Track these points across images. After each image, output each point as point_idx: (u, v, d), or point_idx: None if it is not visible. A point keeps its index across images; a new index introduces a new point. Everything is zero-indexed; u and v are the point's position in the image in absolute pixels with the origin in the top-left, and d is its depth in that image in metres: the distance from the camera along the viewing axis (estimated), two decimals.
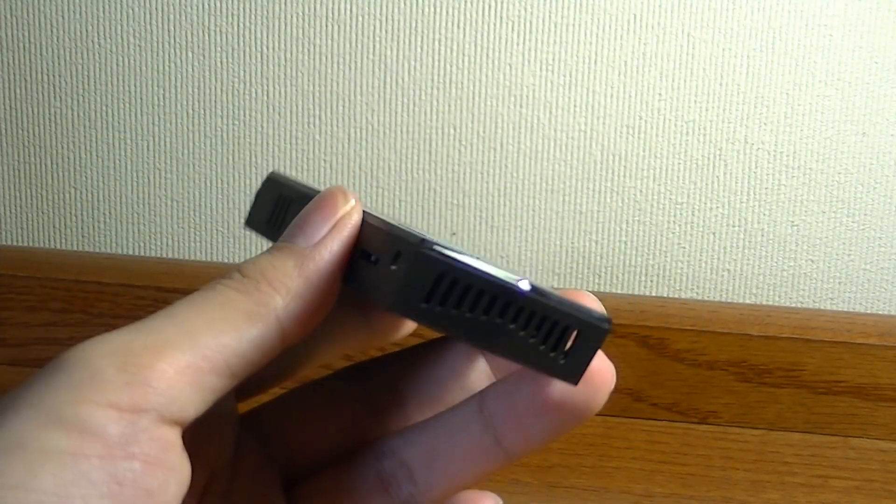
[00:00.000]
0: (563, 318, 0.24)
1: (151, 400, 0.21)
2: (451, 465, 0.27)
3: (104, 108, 0.62)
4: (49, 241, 0.64)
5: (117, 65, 0.61)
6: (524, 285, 0.23)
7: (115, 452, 0.20)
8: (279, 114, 0.61)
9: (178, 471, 0.21)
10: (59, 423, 0.20)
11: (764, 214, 0.61)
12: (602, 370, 0.25)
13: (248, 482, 0.28)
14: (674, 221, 0.61)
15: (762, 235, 0.61)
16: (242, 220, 0.63)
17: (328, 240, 0.25)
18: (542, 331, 0.24)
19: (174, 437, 0.22)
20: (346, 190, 0.26)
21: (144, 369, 0.21)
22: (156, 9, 0.60)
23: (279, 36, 0.60)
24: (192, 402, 0.22)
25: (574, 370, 0.24)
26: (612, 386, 0.26)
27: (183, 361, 0.21)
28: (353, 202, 0.25)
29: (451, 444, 0.27)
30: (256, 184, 0.62)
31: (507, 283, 0.23)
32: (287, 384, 0.29)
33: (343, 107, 0.61)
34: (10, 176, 0.64)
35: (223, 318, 0.23)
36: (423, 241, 0.23)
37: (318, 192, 0.27)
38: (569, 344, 0.24)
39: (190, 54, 0.61)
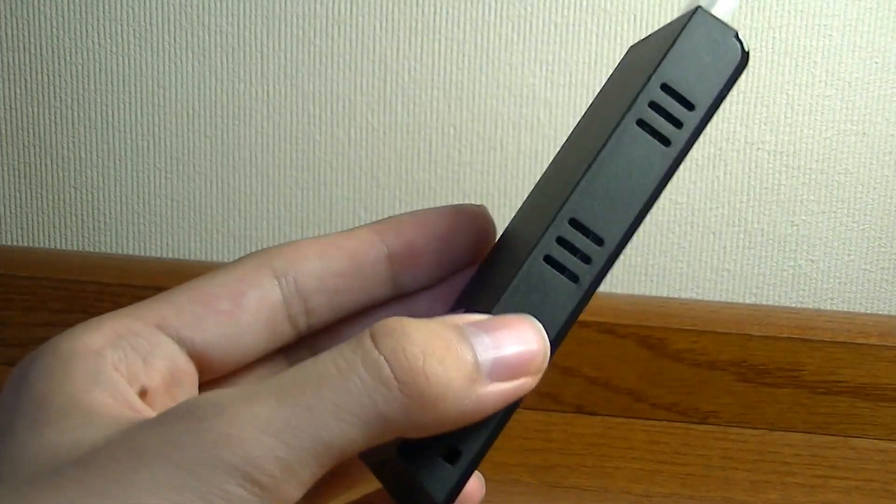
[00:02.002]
0: None
1: None
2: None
3: (104, 108, 0.62)
4: (49, 241, 0.64)
5: (117, 65, 0.61)
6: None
7: None
8: (279, 114, 0.61)
9: None
10: None
11: (764, 214, 0.61)
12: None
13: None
14: (674, 221, 0.61)
15: (762, 235, 0.61)
16: (242, 220, 0.63)
17: (502, 395, 0.22)
18: None
19: None
20: (548, 351, 0.23)
21: (272, 493, 0.20)
22: (156, 9, 0.60)
23: (279, 36, 0.60)
24: (294, 502, 0.21)
25: None
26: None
27: (308, 477, 0.20)
28: (547, 357, 0.22)
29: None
30: (256, 184, 0.63)
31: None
32: None
33: (343, 107, 0.61)
34: (10, 176, 0.64)
35: (361, 426, 0.20)
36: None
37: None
38: None
39: (190, 54, 0.61)
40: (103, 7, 0.61)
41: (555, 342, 0.22)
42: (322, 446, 0.20)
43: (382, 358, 0.21)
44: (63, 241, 0.64)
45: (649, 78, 0.23)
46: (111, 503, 0.19)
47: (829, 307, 0.62)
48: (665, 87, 0.23)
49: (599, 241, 0.22)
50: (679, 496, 0.52)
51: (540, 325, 0.22)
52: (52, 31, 0.61)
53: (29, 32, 0.61)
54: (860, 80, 0.58)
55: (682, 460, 0.55)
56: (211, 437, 0.20)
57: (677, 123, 0.23)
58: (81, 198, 0.64)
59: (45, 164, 0.63)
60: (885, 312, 0.61)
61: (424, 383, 0.21)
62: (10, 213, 0.64)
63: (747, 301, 0.62)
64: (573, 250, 0.23)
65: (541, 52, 0.59)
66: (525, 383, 0.22)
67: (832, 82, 0.58)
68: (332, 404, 0.20)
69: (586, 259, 0.22)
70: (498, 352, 0.22)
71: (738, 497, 0.52)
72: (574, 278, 0.22)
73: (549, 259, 0.23)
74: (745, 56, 0.23)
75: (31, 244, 0.64)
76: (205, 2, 0.60)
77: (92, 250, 0.64)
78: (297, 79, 0.61)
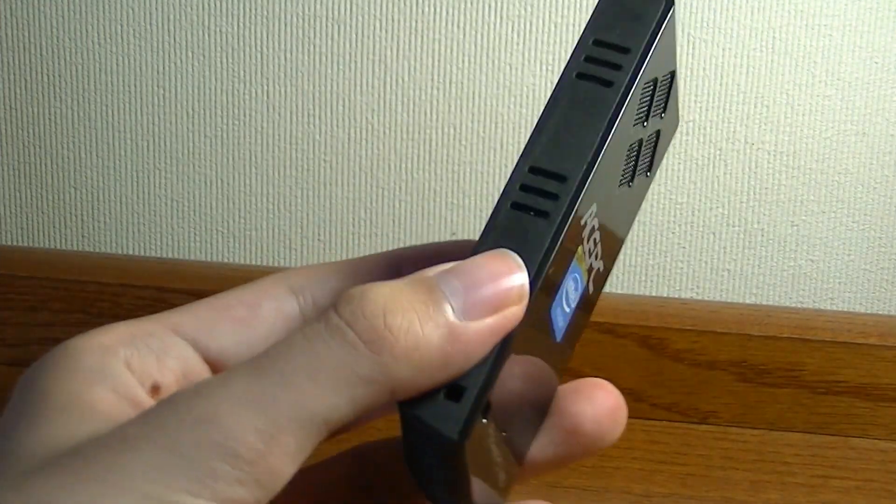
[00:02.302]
0: None
1: (258, 493, 0.20)
2: None
3: (104, 108, 0.62)
4: (49, 241, 0.64)
5: (117, 65, 0.61)
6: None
7: None
8: (279, 114, 0.61)
9: None
10: None
11: (764, 214, 0.61)
12: (613, 410, 0.25)
13: None
14: (674, 221, 0.61)
15: (762, 235, 0.61)
16: (242, 220, 0.63)
17: (486, 327, 0.22)
18: None
19: None
20: (523, 270, 0.22)
21: (257, 466, 0.20)
22: (156, 9, 0.60)
23: (279, 36, 0.60)
24: (288, 477, 0.21)
25: None
26: (622, 425, 0.25)
27: (294, 447, 0.20)
28: (526, 287, 0.22)
29: None
30: (256, 184, 0.63)
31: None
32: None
33: (343, 107, 0.61)
34: (10, 176, 0.64)
35: (339, 389, 0.20)
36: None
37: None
38: None
39: (190, 54, 0.61)
40: (103, 7, 0.61)
41: (537, 277, 0.22)
42: (304, 413, 0.20)
43: (343, 322, 0.21)
44: (63, 241, 0.64)
45: (582, 36, 0.24)
46: (101, 487, 0.19)
47: (829, 307, 0.62)
48: (597, 42, 0.24)
49: (562, 179, 0.23)
50: (679, 496, 0.52)
51: (514, 254, 0.22)
52: (52, 31, 0.61)
53: (29, 32, 0.61)
54: (860, 80, 0.58)
55: (682, 460, 0.55)
56: (192, 418, 0.20)
57: (615, 66, 0.24)
58: (81, 198, 0.64)
59: (45, 164, 0.63)
60: (885, 312, 0.61)
61: (390, 338, 0.21)
62: (10, 213, 0.64)
63: (747, 301, 0.62)
64: (538, 192, 0.23)
65: (541, 52, 0.59)
66: (510, 312, 0.22)
67: (832, 82, 0.58)
68: (304, 371, 0.20)
69: (552, 196, 0.23)
70: (470, 291, 0.22)
71: (738, 497, 0.52)
72: (543, 214, 0.23)
73: (515, 205, 0.23)
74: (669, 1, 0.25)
75: (31, 244, 0.64)
76: (205, 2, 0.60)
77: (92, 250, 0.64)
78: (297, 79, 0.61)
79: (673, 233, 0.61)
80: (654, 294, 0.61)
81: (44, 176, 0.63)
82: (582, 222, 0.23)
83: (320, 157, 0.62)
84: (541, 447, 0.26)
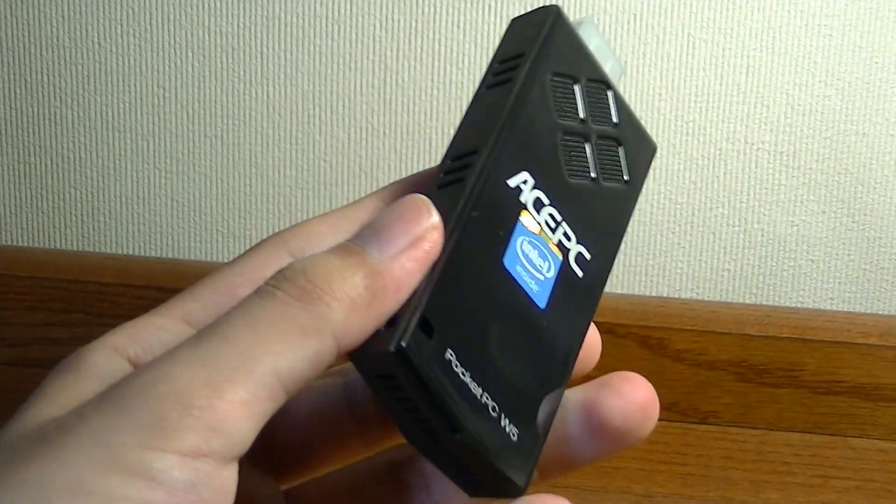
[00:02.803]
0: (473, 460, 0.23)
1: (213, 443, 0.20)
2: None
3: (104, 108, 0.62)
4: (49, 241, 0.64)
5: (117, 65, 0.61)
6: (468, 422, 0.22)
7: (177, 500, 0.20)
8: (279, 114, 0.61)
9: None
10: (123, 468, 0.20)
11: (764, 214, 0.61)
12: (644, 400, 0.26)
13: None
14: (674, 221, 0.61)
15: (762, 235, 0.61)
16: (242, 220, 0.63)
17: (404, 258, 0.23)
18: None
19: (232, 477, 0.21)
20: (431, 205, 0.24)
21: (206, 411, 0.20)
22: (156, 9, 0.60)
23: (279, 36, 0.60)
24: (249, 434, 0.21)
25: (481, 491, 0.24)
26: (655, 415, 0.26)
27: (243, 395, 0.21)
28: (437, 219, 0.23)
29: None
30: (256, 184, 0.63)
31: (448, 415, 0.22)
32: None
33: (343, 107, 0.61)
34: (10, 176, 0.64)
35: (280, 338, 0.21)
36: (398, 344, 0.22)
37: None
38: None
39: (190, 54, 0.61)
40: (103, 7, 0.61)
41: (452, 214, 0.23)
42: (248, 363, 0.21)
43: (269, 287, 0.22)
44: (63, 241, 0.64)
45: (489, 64, 0.27)
46: (54, 461, 0.20)
47: (829, 307, 0.62)
48: (499, 61, 0.26)
49: (474, 152, 0.24)
50: (679, 496, 0.52)
51: (419, 196, 0.24)
52: (52, 31, 0.61)
53: (29, 32, 0.61)
54: (860, 80, 0.58)
55: (682, 460, 0.55)
56: (141, 381, 0.21)
57: (513, 68, 0.26)
58: (81, 198, 0.64)
59: (45, 164, 0.63)
60: (885, 312, 0.61)
61: (315, 288, 0.22)
62: (10, 213, 0.64)
63: (747, 301, 0.62)
64: (458, 169, 0.24)
65: None
66: (427, 241, 0.23)
67: (832, 82, 0.58)
68: (244, 330, 0.21)
69: (466, 165, 0.24)
70: (382, 232, 0.23)
71: (738, 497, 0.52)
72: (459, 180, 0.24)
73: (441, 186, 0.24)
74: (555, 7, 0.27)
75: (31, 244, 0.64)
76: (205, 2, 0.60)
77: (92, 250, 0.64)
78: (297, 79, 0.61)
79: (673, 233, 0.61)
80: (654, 294, 0.61)
81: (44, 176, 0.63)
82: (511, 185, 0.24)
83: (320, 157, 0.62)
84: (572, 441, 0.26)
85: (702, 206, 0.60)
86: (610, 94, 0.27)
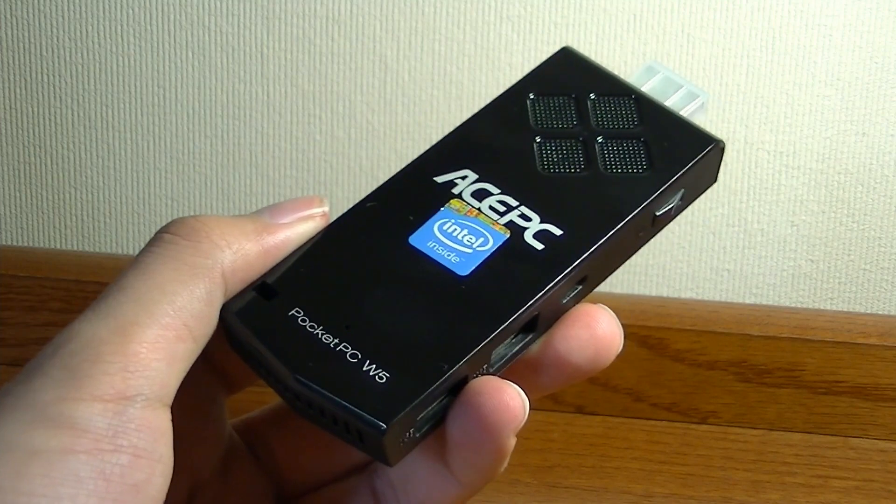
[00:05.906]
0: (338, 413, 0.24)
1: (133, 385, 0.21)
2: (420, 489, 0.27)
3: (104, 108, 0.62)
4: (49, 241, 0.64)
5: (117, 65, 0.61)
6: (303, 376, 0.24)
7: (103, 446, 0.20)
8: (279, 114, 0.61)
9: (164, 462, 0.21)
10: (46, 422, 0.20)
11: (764, 214, 0.61)
12: (606, 337, 0.26)
13: (238, 495, 0.27)
14: (674, 221, 0.61)
15: (762, 235, 0.61)
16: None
17: (289, 226, 0.26)
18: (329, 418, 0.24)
19: (164, 420, 0.22)
20: (324, 199, 0.27)
21: (117, 356, 0.21)
22: (156, 9, 0.60)
23: (279, 36, 0.60)
24: (170, 377, 0.22)
25: (380, 454, 0.24)
26: (615, 351, 0.27)
27: (150, 336, 0.22)
28: (325, 209, 0.27)
29: (414, 469, 0.26)
30: (256, 184, 0.63)
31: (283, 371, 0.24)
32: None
33: (343, 107, 0.61)
34: (10, 176, 0.64)
35: (173, 278, 0.23)
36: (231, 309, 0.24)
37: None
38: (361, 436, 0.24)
39: (190, 54, 0.61)
40: (103, 7, 0.61)
41: (371, 199, 0.28)
42: (148, 305, 0.22)
43: (159, 233, 0.25)
44: (63, 241, 0.64)
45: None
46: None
47: (829, 307, 0.62)
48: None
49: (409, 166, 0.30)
50: (679, 496, 0.52)
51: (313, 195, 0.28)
52: (52, 31, 0.61)
53: (29, 32, 0.61)
54: (860, 80, 0.58)
55: (682, 460, 0.55)
56: (55, 343, 0.22)
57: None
58: (81, 198, 0.64)
59: (45, 164, 0.63)
60: (885, 312, 0.61)
61: (198, 224, 0.24)
62: (10, 213, 0.64)
63: (747, 301, 0.62)
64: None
65: (541, 52, 0.59)
66: (314, 218, 0.27)
67: (832, 82, 0.58)
68: (137, 278, 0.23)
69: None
70: (275, 207, 0.26)
71: (738, 497, 0.52)
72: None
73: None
74: (563, 48, 0.31)
75: (31, 244, 0.64)
76: (205, 2, 0.60)
77: (92, 250, 0.64)
78: (297, 79, 0.61)
79: (673, 233, 0.61)
80: (654, 294, 0.61)
81: (44, 176, 0.63)
82: (440, 181, 0.29)
83: (320, 157, 0.62)
84: (537, 370, 0.28)
85: (702, 206, 0.60)
86: (632, 100, 0.30)
